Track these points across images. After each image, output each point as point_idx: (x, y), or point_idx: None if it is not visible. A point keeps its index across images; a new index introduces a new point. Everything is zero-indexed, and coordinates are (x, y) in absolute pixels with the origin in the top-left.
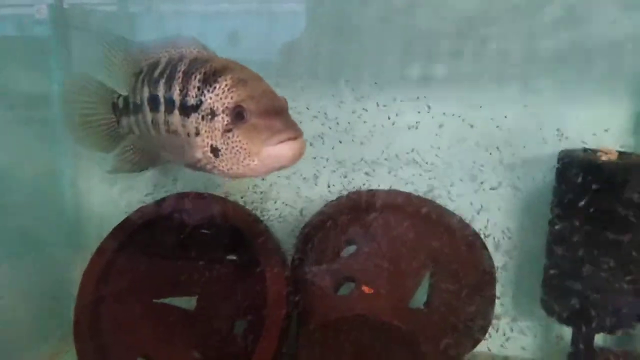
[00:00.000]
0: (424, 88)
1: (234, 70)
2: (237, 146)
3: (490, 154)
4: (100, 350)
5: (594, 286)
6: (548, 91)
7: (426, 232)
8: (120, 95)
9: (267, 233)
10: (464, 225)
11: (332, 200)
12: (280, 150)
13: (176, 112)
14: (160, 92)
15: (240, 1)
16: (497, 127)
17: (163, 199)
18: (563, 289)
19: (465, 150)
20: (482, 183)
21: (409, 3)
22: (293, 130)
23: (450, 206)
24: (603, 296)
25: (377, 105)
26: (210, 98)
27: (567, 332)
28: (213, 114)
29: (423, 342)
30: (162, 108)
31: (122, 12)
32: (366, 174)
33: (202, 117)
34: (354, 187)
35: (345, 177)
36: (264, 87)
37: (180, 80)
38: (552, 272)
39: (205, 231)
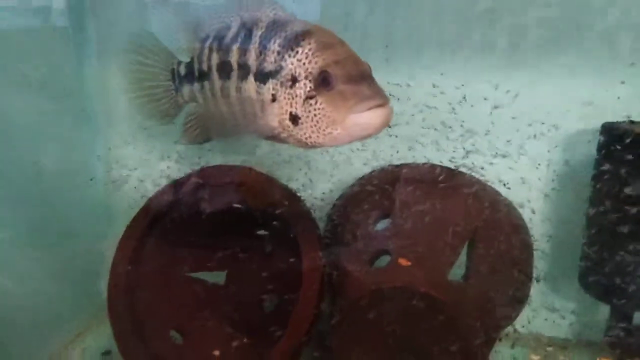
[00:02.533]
0: None
1: (317, 34)
2: (320, 114)
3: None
4: (134, 324)
5: (634, 262)
6: None
7: (464, 205)
8: (181, 62)
9: (299, 205)
10: (503, 199)
11: (367, 174)
12: (367, 118)
13: (251, 78)
14: (233, 57)
15: None
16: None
17: (193, 173)
18: (602, 265)
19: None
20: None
21: None
22: (381, 97)
23: (489, 179)
24: None
25: None
26: (292, 63)
27: (604, 310)
28: (294, 79)
29: (461, 314)
30: (234, 75)
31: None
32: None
33: (282, 83)
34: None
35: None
36: (349, 52)
37: (257, 44)
38: (590, 248)
39: (236, 205)
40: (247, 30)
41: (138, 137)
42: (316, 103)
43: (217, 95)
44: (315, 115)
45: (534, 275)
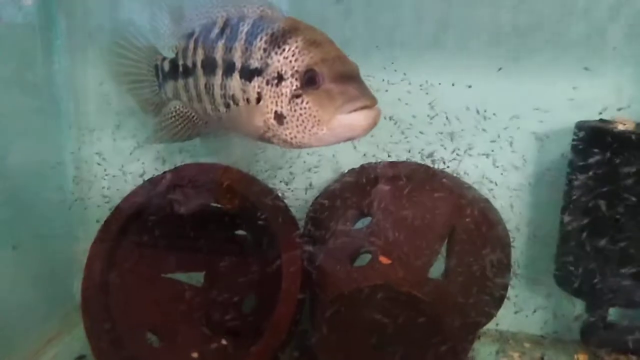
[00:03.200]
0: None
1: (304, 32)
2: (305, 113)
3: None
4: (109, 327)
5: (608, 259)
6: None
7: (442, 203)
8: (165, 58)
9: (278, 203)
10: (481, 197)
11: (346, 172)
12: (354, 118)
13: (236, 75)
14: (218, 54)
15: None
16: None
17: (167, 172)
18: (576, 262)
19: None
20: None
21: None
22: (369, 98)
23: (467, 177)
24: (617, 269)
25: None
26: (278, 61)
27: (579, 307)
28: (280, 77)
29: (442, 312)
30: (219, 71)
31: None
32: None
33: (267, 82)
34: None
35: None
36: (336, 51)
37: (242, 41)
38: (565, 245)
39: (214, 205)
40: (233, 26)
41: (110, 134)
42: (302, 102)
43: (202, 92)
44: (301, 114)
45: (512, 272)
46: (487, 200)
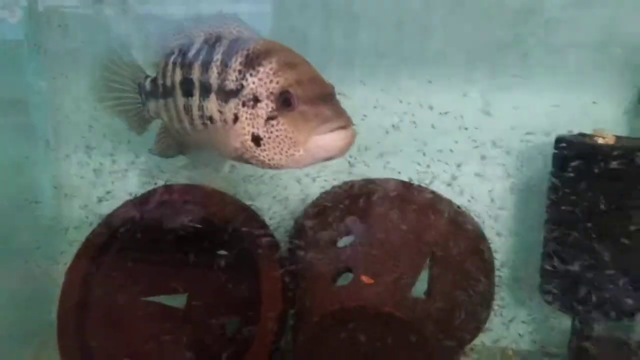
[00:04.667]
0: None
1: (279, 53)
2: (281, 135)
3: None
4: (84, 352)
5: (593, 273)
6: None
7: (424, 220)
8: (147, 77)
9: (259, 224)
10: (463, 213)
11: (328, 190)
12: (329, 139)
13: (213, 96)
14: (195, 75)
15: (219, 3)
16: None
17: (148, 193)
18: (562, 277)
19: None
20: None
21: None
22: (344, 119)
23: (448, 193)
24: (602, 283)
25: None
26: (253, 82)
27: (566, 322)
28: (256, 99)
29: (424, 332)
30: (196, 92)
31: (98, 15)
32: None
33: (243, 103)
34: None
35: None
36: (312, 72)
37: (218, 62)
38: (549, 259)
39: (195, 225)
40: (210, 47)
41: (90, 153)
42: (278, 124)
43: (181, 113)
44: (277, 136)
45: (496, 288)
46: (470, 216)
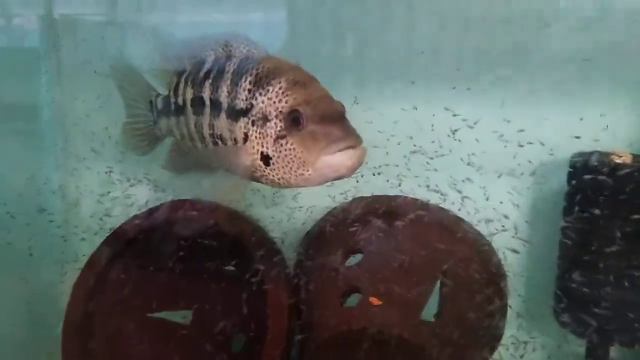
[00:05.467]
0: None
1: (288, 72)
2: (290, 154)
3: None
4: None
5: (609, 297)
6: None
7: (435, 240)
8: (158, 94)
9: (267, 242)
10: (475, 233)
11: (336, 207)
12: (338, 159)
13: (223, 115)
14: (206, 93)
15: (230, 11)
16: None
17: (156, 208)
18: (576, 300)
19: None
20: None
21: None
22: (353, 138)
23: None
24: (618, 307)
25: None
26: (263, 102)
27: (581, 347)
28: (265, 118)
29: (433, 356)
30: (207, 111)
31: (113, 22)
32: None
33: (253, 122)
34: None
35: None
36: (321, 91)
37: (228, 81)
38: (564, 281)
39: (202, 241)
40: (220, 65)
41: (101, 163)
42: (287, 143)
43: (192, 131)
44: (286, 155)
45: (509, 310)
46: (482, 237)
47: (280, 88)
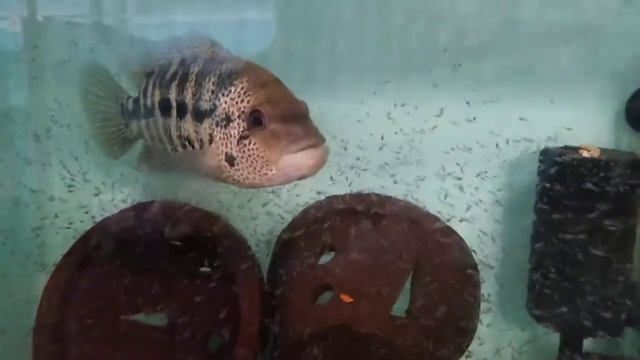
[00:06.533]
0: None
1: (250, 72)
2: (253, 154)
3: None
4: None
5: (579, 289)
6: None
7: (406, 237)
8: (129, 97)
9: (239, 242)
10: (445, 228)
11: (309, 206)
12: (300, 158)
13: (189, 117)
14: (172, 95)
15: (218, 11)
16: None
17: (128, 209)
18: (549, 293)
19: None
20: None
21: None
22: (315, 137)
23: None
24: (589, 299)
25: None
26: (226, 102)
27: (554, 338)
28: (228, 119)
29: (406, 352)
30: (174, 112)
31: (97, 25)
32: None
33: (217, 123)
34: None
35: None
36: (282, 90)
37: (193, 82)
38: (536, 274)
39: (175, 242)
40: (186, 67)
41: (74, 165)
42: (250, 143)
43: (161, 133)
44: (249, 155)
45: (482, 305)
46: (453, 232)
47: (242, 88)
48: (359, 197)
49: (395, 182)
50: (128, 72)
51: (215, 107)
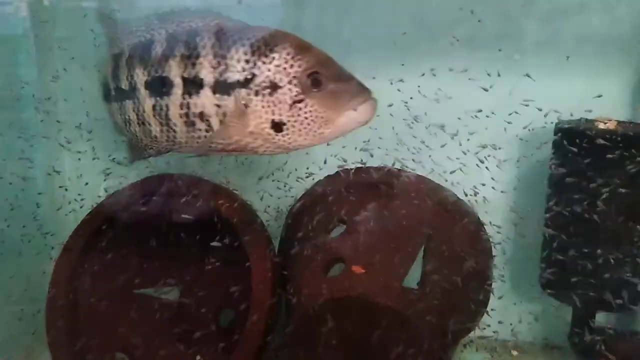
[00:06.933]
0: None
1: (288, 38)
2: (312, 115)
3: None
4: (75, 346)
5: (592, 263)
6: None
7: (418, 209)
8: (102, 82)
9: (250, 216)
10: (459, 201)
11: (322, 179)
12: (360, 112)
13: (206, 91)
14: (173, 72)
15: None
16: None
17: (136, 184)
18: (562, 266)
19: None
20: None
21: None
22: (367, 91)
23: (444, 179)
24: (603, 273)
25: None
26: (269, 69)
27: (566, 311)
28: (274, 86)
29: (417, 323)
30: (176, 90)
31: (104, 9)
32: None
33: (256, 92)
34: None
35: None
36: (323, 52)
37: (211, 56)
38: (549, 248)
39: (184, 216)
40: (188, 41)
41: (81, 148)
42: (306, 106)
43: (147, 115)
44: (306, 118)
45: (495, 278)
46: (466, 205)
47: (288, 54)
48: (370, 170)
49: (411, 153)
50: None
51: (253, 76)
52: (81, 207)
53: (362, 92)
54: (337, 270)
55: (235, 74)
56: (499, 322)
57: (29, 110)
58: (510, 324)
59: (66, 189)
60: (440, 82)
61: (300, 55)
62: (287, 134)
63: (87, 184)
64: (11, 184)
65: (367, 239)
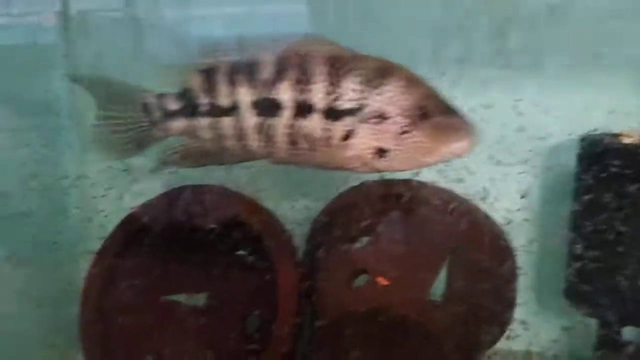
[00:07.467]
0: None
1: (398, 70)
2: (416, 145)
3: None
4: (107, 352)
5: (620, 275)
6: None
7: (442, 221)
8: (163, 94)
9: (278, 227)
10: (483, 214)
11: (347, 189)
12: (461, 145)
13: (316, 116)
14: (284, 95)
15: (244, 4)
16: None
17: (167, 193)
18: (588, 279)
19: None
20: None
21: None
22: (469, 125)
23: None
24: (630, 286)
25: None
26: (380, 101)
27: (592, 325)
28: (382, 116)
29: (441, 335)
30: (285, 113)
31: (130, 19)
32: None
33: (365, 120)
34: None
35: None
36: (429, 85)
37: (326, 83)
38: (575, 261)
39: (211, 226)
40: (299, 66)
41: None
42: (413, 137)
43: (248, 132)
44: (410, 147)
45: (520, 290)
46: (491, 218)
47: (398, 87)
48: (395, 182)
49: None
50: (173, 67)
51: (362, 106)
52: (106, 216)
53: (465, 127)
54: (361, 281)
55: (346, 102)
56: (524, 335)
57: (59, 119)
58: (535, 337)
59: (94, 197)
60: None
61: (410, 89)
62: (389, 160)
63: (116, 194)
64: (40, 192)
65: (391, 251)
